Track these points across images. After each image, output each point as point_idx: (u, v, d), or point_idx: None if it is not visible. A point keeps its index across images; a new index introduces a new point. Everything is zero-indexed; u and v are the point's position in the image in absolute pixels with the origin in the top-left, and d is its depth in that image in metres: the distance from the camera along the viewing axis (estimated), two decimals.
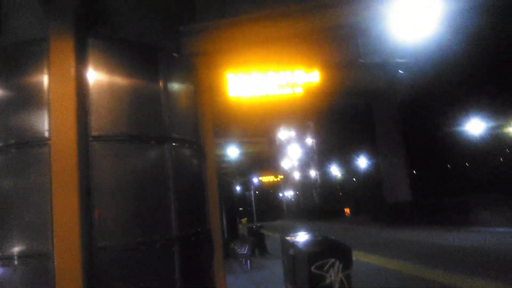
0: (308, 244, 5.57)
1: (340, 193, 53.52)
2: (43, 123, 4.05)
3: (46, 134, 4.02)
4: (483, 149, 28.00)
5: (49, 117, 4.01)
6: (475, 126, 25.57)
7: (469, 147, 28.17)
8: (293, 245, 5.55)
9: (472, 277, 9.41)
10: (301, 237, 6.04)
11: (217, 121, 5.90)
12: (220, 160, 15.37)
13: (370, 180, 42.57)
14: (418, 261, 12.12)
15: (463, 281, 9.13)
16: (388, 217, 28.25)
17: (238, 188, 33.86)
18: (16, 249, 3.99)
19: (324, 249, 5.27)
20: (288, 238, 6.03)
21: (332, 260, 5.13)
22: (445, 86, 25.90)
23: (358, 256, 13.44)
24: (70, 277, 3.75)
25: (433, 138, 31.42)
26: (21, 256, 3.97)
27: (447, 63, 20.45)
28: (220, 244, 5.27)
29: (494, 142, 27.51)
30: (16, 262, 3.98)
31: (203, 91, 5.43)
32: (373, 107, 33.49)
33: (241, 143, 15.12)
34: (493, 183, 25.20)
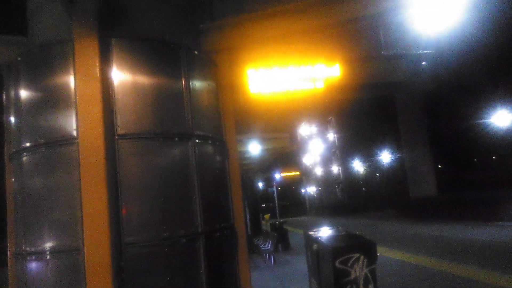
0: (332, 239, 5.55)
1: (363, 188, 52.91)
2: (71, 123, 4.17)
3: (74, 133, 4.14)
4: (510, 142, 27.16)
5: (77, 116, 4.12)
6: (502, 118, 24.80)
7: (496, 139, 27.36)
8: (316, 240, 5.54)
9: (500, 272, 9.18)
10: (325, 232, 6.02)
11: (238, 118, 5.93)
12: (242, 156, 15.43)
13: (394, 174, 41.99)
14: (443, 256, 11.91)
15: (490, 276, 8.93)
16: (413, 212, 27.79)
17: (260, 184, 33.92)
18: (48, 245, 4.14)
19: (348, 244, 5.24)
20: (311, 233, 6.02)
21: (357, 255, 5.10)
22: (470, 77, 25.24)
23: (382, 252, 13.29)
24: (100, 271, 3.86)
25: (458, 130, 30.69)
26: (53, 251, 4.12)
27: (472, 54, 19.93)
28: (245, 239, 5.30)
29: None
30: (48, 257, 4.13)
31: (225, 88, 5.46)
32: (396, 100, 32.96)
33: (263, 139, 15.13)
34: None
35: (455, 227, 19.53)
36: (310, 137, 60.37)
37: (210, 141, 4.99)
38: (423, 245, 15.09)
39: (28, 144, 4.34)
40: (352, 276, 5.05)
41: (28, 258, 4.27)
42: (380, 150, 42.93)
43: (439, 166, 36.30)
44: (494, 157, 32.73)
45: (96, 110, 4.05)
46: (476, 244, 13.81)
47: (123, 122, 4.26)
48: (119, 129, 4.23)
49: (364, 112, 39.91)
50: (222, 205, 5.08)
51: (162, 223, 4.28)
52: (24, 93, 4.48)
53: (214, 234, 4.71)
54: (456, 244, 14.36)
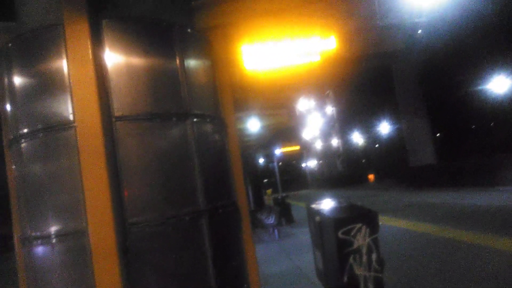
0: (333, 210, 5.62)
1: (363, 160, 53.20)
2: (67, 107, 4.15)
3: (71, 117, 4.12)
4: (508, 108, 27.13)
5: (72, 100, 4.10)
6: (499, 84, 24.69)
7: (494, 105, 27.32)
8: (318, 212, 5.61)
9: (500, 236, 9.34)
10: (327, 204, 6.09)
11: (236, 95, 5.91)
12: (242, 133, 15.43)
13: (393, 144, 42.16)
14: (445, 223, 12.08)
15: (490, 240, 9.08)
16: (412, 181, 28.04)
17: (261, 160, 34.07)
18: (52, 229, 4.18)
19: (350, 215, 5.31)
20: (313, 206, 6.09)
21: (359, 225, 5.17)
22: (466, 44, 24.97)
23: (385, 221, 13.48)
24: (106, 252, 3.92)
25: (456, 98, 30.63)
26: (58, 234, 4.16)
27: (468, 20, 19.65)
28: (247, 215, 5.37)
29: None
30: (54, 241, 4.18)
31: (220, 65, 5.41)
32: (393, 70, 32.75)
33: (262, 116, 15.11)
34: None
35: (455, 193, 19.75)
36: (309, 111, 60.29)
37: (208, 119, 4.97)
38: (424, 212, 15.29)
39: (25, 130, 4.32)
40: (355, 245, 5.13)
41: (34, 242, 4.32)
42: (379, 121, 42.93)
43: (438, 134, 36.36)
44: (492, 123, 32.76)
45: (91, 93, 4.02)
46: (478, 210, 13.99)
47: (119, 104, 4.24)
48: (115, 111, 4.21)
49: (361, 84, 39.73)
50: (224, 183, 5.12)
51: (165, 203, 4.32)
52: (17, 79, 4.43)
53: (217, 211, 4.76)
54: (458, 210, 14.54)
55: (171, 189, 4.39)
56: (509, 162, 19.38)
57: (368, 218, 5.25)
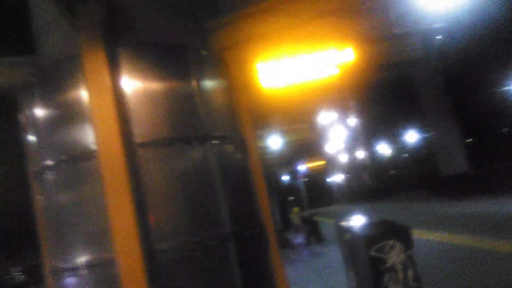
0: (364, 227, 5.40)
1: (392, 171, 52.07)
2: (89, 136, 4.18)
3: (93, 146, 4.14)
4: None
5: (94, 129, 4.13)
6: None
7: None
8: (348, 230, 5.42)
9: None
10: (356, 221, 5.88)
11: (255, 113, 5.85)
12: (264, 152, 15.34)
13: (422, 154, 41.10)
14: (482, 233, 11.53)
15: None
16: (445, 190, 27.11)
17: (285, 177, 33.80)
18: (81, 259, 4.17)
19: (381, 231, 5.09)
20: (342, 223, 5.90)
21: (391, 241, 4.95)
22: (488, 44, 24.32)
23: (420, 235, 13.00)
24: (135, 280, 3.87)
25: (483, 101, 29.72)
26: (87, 265, 4.14)
27: (487, 19, 19.16)
28: (274, 235, 5.23)
29: None
30: (83, 272, 4.17)
31: (237, 85, 5.38)
32: (415, 77, 32.16)
33: (283, 132, 15.02)
34: None
35: (490, 202, 18.93)
36: (331, 124, 59.78)
37: (228, 141, 4.92)
38: (459, 223, 14.69)
39: (49, 162, 4.38)
40: (389, 263, 4.90)
41: (63, 274, 4.32)
42: (405, 131, 42.06)
43: (467, 140, 35.26)
44: None
45: (111, 121, 4.05)
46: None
47: (140, 130, 4.25)
48: (136, 137, 4.22)
49: (383, 94, 39.21)
50: (248, 204, 5.02)
51: (191, 227, 4.25)
52: (39, 112, 4.53)
53: (242, 234, 4.65)
54: (494, 220, 13.89)
55: (196, 213, 4.33)
56: None
57: (401, 233, 5.02)
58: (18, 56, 5.19)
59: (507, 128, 33.31)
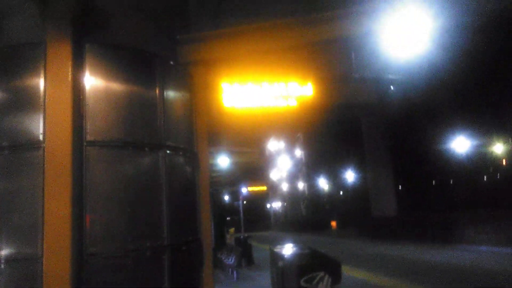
0: (297, 256, 5.57)
1: (327, 206, 53.62)
2: (38, 127, 4.02)
3: (41, 137, 3.99)
4: (468, 167, 28.43)
5: (44, 120, 3.98)
6: (461, 144, 25.99)
7: (455, 164, 28.58)
8: (282, 257, 5.55)
9: None
10: (290, 249, 6.05)
11: (210, 130, 5.91)
12: (211, 169, 15.29)
13: (357, 193, 42.84)
14: (404, 277, 12.18)
15: None
16: (373, 231, 28.37)
17: (226, 197, 33.70)
18: (3, 252, 3.92)
19: (314, 262, 5.27)
20: (277, 250, 6.03)
21: (321, 273, 5.14)
22: (434, 103, 26.38)
23: (346, 270, 13.44)
24: (59, 282, 3.71)
25: (419, 154, 31.87)
26: (7, 259, 3.90)
27: (437, 80, 20.86)
28: (211, 254, 5.24)
29: (479, 160, 27.98)
30: (2, 266, 3.91)
31: (199, 100, 5.45)
32: (362, 121, 33.87)
33: (232, 153, 15.11)
34: (477, 201, 25.56)
35: (415, 247, 20.07)
36: (278, 152, 60.87)
37: (181, 153, 4.94)
38: (384, 265, 15.40)
39: None
40: None
41: None
42: (345, 169, 43.77)
43: (400, 187, 37.39)
44: (451, 181, 34.14)
45: (65, 115, 3.95)
46: (437, 267, 14.24)
47: (93, 128, 4.16)
48: (88, 135, 4.12)
49: (331, 131, 40.70)
50: (190, 218, 5.01)
51: (128, 234, 4.17)
52: None
53: (180, 247, 4.63)
54: (417, 266, 14.73)
55: (136, 221, 4.26)
56: (467, 220, 20.05)
57: (332, 267, 5.24)
58: None
59: (435, 182, 35.81)
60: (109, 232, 4.10)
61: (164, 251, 4.38)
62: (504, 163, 28.07)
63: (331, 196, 53.52)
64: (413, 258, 16.70)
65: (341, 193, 50.46)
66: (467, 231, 19.42)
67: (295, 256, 5.57)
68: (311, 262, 5.27)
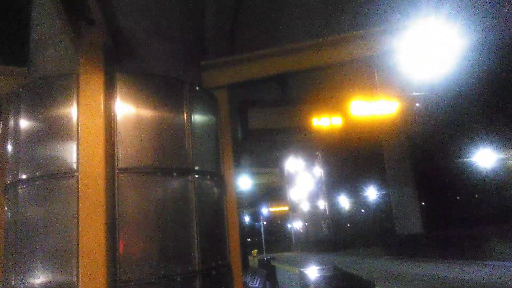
0: (330, 279, 5.45)
1: (349, 225, 52.69)
2: (72, 155, 4.11)
3: (74, 166, 4.07)
4: (494, 181, 27.70)
5: (78, 149, 4.07)
6: (486, 158, 25.37)
7: (479, 178, 27.89)
8: (313, 280, 5.44)
9: None
10: (321, 271, 5.93)
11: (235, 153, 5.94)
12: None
13: (380, 211, 42.06)
14: None
15: None
16: (399, 249, 27.63)
17: (247, 218, 33.55)
18: (39, 281, 3.97)
19: (347, 285, 5.15)
20: (307, 272, 5.92)
21: None
22: (458, 118, 25.97)
23: None
24: None
25: (443, 169, 31.23)
26: (43, 287, 3.93)
27: (460, 95, 20.63)
28: (241, 278, 5.18)
29: (505, 173, 27.25)
30: None
31: (224, 123, 5.50)
32: (383, 137, 33.46)
33: (254, 174, 15.11)
34: (504, 215, 24.80)
35: (442, 265, 19.46)
36: (298, 172, 60.45)
37: (209, 177, 4.95)
38: (413, 284, 14.99)
39: (24, 176, 4.24)
40: None
41: None
42: (366, 187, 43.10)
43: (424, 203, 36.54)
44: (476, 195, 33.23)
45: (98, 143, 4.02)
46: (462, 284, 13.81)
47: (124, 155, 4.23)
48: (120, 162, 4.19)
49: (351, 149, 40.33)
50: (220, 242, 4.99)
51: (160, 260, 4.17)
52: (24, 124, 4.43)
53: (210, 272, 4.59)
54: (447, 283, 14.28)
55: (168, 246, 4.26)
56: (494, 235, 19.36)
57: None
58: (10, 66, 5.11)
59: (459, 197, 34.93)
60: (141, 258, 4.11)
61: (195, 277, 4.35)
62: None
63: (353, 215, 52.60)
64: (440, 276, 16.17)
65: (363, 211, 49.60)
66: (496, 247, 18.74)
67: (328, 279, 5.46)
68: (344, 285, 5.14)
